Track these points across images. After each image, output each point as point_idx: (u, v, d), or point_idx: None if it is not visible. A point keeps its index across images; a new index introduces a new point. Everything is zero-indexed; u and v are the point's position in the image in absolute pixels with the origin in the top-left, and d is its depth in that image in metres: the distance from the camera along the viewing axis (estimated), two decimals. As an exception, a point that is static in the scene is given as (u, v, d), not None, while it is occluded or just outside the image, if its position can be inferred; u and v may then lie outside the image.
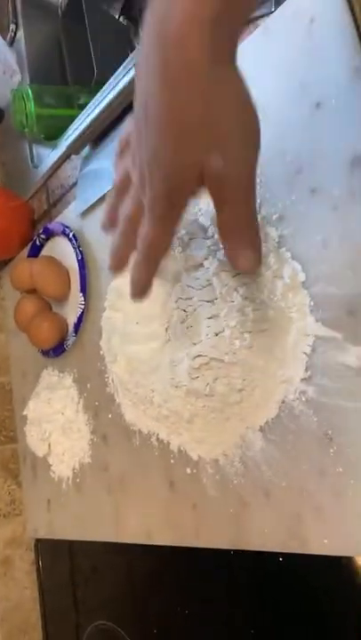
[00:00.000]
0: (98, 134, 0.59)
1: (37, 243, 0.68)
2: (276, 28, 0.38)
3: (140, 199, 0.30)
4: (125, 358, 0.48)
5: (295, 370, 0.36)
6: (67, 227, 0.62)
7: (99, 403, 0.57)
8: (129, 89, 0.53)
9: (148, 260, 0.31)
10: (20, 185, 0.75)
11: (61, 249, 0.64)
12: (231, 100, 0.26)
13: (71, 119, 0.62)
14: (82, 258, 0.59)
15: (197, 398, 0.41)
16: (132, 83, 0.52)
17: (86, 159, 0.62)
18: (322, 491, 0.35)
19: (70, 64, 0.71)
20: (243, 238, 0.30)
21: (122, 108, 0.55)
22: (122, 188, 0.33)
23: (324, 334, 0.35)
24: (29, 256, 0.69)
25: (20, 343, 0.71)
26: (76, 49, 0.71)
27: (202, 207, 0.42)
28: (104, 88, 0.55)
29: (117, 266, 0.34)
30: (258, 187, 0.39)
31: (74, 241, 0.60)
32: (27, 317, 0.64)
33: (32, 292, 0.66)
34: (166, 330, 0.44)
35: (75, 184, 0.63)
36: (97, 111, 0.56)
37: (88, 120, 0.58)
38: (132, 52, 0.55)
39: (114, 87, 0.54)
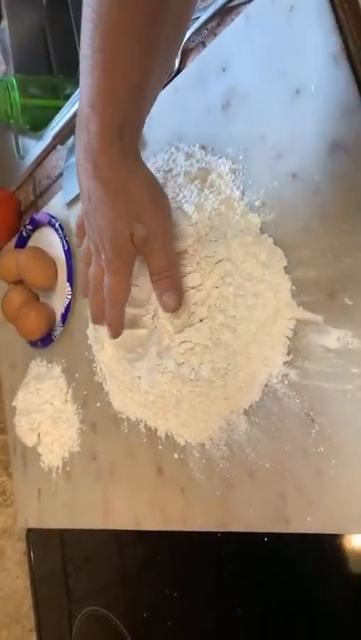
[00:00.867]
0: (83, 124, 0.59)
1: (24, 234, 0.68)
2: (257, 15, 0.38)
3: (99, 263, 0.39)
4: (112, 346, 0.48)
5: (278, 353, 0.37)
6: (53, 217, 0.62)
7: (87, 392, 0.58)
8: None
9: (113, 304, 0.40)
10: (6, 176, 0.74)
11: (48, 239, 0.64)
12: (144, 186, 0.36)
13: (57, 109, 0.62)
14: (68, 248, 0.59)
15: (183, 383, 0.41)
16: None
17: (72, 149, 0.62)
18: (305, 471, 0.35)
19: (55, 54, 0.71)
20: (165, 283, 0.39)
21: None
22: (86, 259, 0.43)
23: (306, 318, 0.35)
24: (16, 247, 0.69)
25: (8, 334, 0.71)
26: (61, 39, 0.70)
27: (186, 194, 0.42)
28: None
29: (97, 316, 0.42)
30: (241, 174, 0.40)
31: (60, 231, 0.60)
32: (14, 308, 0.64)
33: (19, 282, 0.66)
34: (153, 317, 0.44)
35: (61, 174, 0.63)
36: (82, 101, 0.56)
37: (73, 110, 0.58)
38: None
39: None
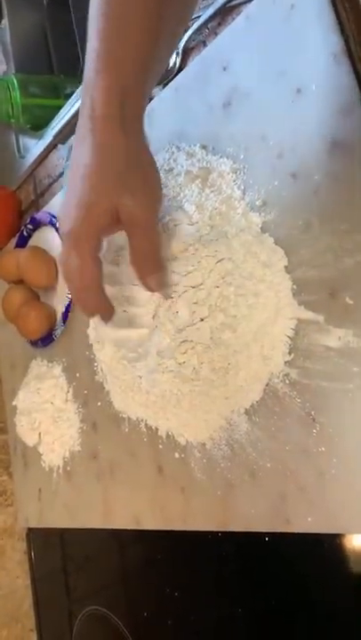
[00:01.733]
0: (84, 123, 0.59)
1: (25, 233, 0.68)
2: (258, 14, 0.38)
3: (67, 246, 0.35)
4: (113, 346, 0.48)
5: (279, 353, 0.37)
6: (54, 216, 0.62)
7: (88, 391, 0.57)
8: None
9: (88, 288, 0.36)
10: (7, 175, 0.74)
11: (49, 239, 0.64)
12: (140, 163, 0.34)
13: (57, 109, 0.62)
14: (69, 247, 0.59)
15: (184, 383, 0.41)
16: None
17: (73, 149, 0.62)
18: (306, 470, 0.35)
19: (56, 53, 0.71)
20: (148, 263, 0.37)
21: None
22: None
23: (307, 317, 0.35)
24: (17, 246, 0.69)
25: (9, 334, 0.71)
26: (62, 38, 0.71)
27: (186, 193, 0.42)
28: (89, 77, 0.55)
29: (84, 307, 0.39)
30: (242, 173, 0.40)
31: (61, 230, 0.60)
32: (14, 308, 0.64)
33: (19, 282, 0.66)
34: (153, 317, 0.44)
35: (62, 173, 0.63)
36: (82, 100, 0.56)
37: (74, 109, 0.58)
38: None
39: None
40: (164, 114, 0.46)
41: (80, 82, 0.56)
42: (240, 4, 0.42)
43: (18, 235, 0.69)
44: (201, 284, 0.40)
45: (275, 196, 0.38)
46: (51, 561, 0.70)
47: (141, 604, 0.55)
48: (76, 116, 0.58)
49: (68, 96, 0.63)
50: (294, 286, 0.36)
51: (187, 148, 0.44)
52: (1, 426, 0.77)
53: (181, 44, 0.47)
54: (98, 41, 0.31)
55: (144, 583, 0.55)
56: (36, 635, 0.73)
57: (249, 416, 0.39)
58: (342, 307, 0.33)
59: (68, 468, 0.61)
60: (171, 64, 0.48)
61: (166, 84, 0.47)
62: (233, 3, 0.42)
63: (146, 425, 0.49)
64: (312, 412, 0.35)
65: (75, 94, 0.59)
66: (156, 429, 0.48)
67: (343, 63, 0.33)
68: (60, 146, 0.63)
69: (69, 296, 0.59)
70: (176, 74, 0.47)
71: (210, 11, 0.44)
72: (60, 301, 0.62)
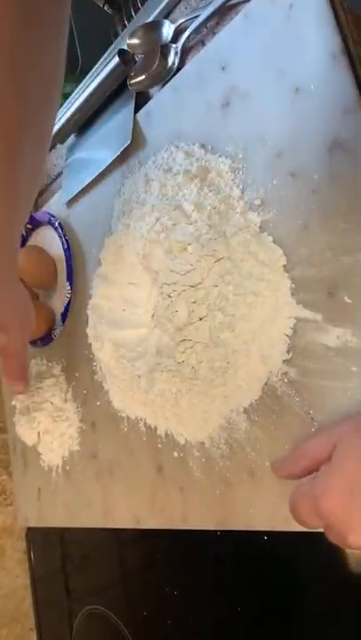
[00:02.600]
0: (83, 123, 0.59)
1: (23, 233, 0.68)
2: (256, 13, 0.38)
3: None
4: (112, 345, 0.48)
5: (277, 352, 0.37)
6: (52, 216, 0.62)
7: (87, 390, 0.58)
8: (113, 77, 0.53)
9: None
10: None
11: (47, 238, 0.64)
12: (16, 304, 0.43)
13: (56, 108, 0.61)
14: (68, 247, 0.59)
15: (183, 382, 0.41)
16: (115, 71, 0.52)
17: (72, 148, 0.62)
18: (304, 469, 0.35)
19: (55, 53, 0.71)
20: (16, 377, 0.51)
21: (106, 97, 0.55)
22: None
23: (305, 316, 0.35)
24: (16, 246, 0.68)
25: (8, 334, 0.71)
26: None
27: (185, 193, 0.42)
28: (88, 76, 0.55)
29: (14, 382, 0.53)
30: (240, 172, 0.40)
31: (59, 230, 0.60)
32: (14, 307, 0.64)
33: (19, 282, 0.66)
34: (152, 316, 0.44)
35: (60, 173, 0.63)
36: (81, 100, 0.56)
37: (73, 109, 0.58)
38: (115, 40, 0.55)
39: (98, 75, 0.54)
40: (162, 113, 0.46)
41: (79, 82, 0.56)
42: (239, 4, 0.42)
43: (17, 234, 0.69)
44: (200, 283, 0.40)
45: (273, 195, 0.38)
46: (50, 560, 0.70)
47: (141, 603, 0.55)
48: (74, 116, 0.58)
49: (67, 95, 0.63)
50: (293, 285, 0.36)
51: (185, 148, 0.44)
52: (0, 425, 0.77)
53: (180, 44, 0.47)
54: None
55: (143, 582, 0.55)
56: (35, 634, 0.73)
57: (248, 415, 0.39)
58: (341, 306, 0.33)
59: (68, 468, 0.61)
60: (169, 63, 0.48)
61: (165, 84, 0.48)
62: (231, 2, 0.42)
63: (145, 424, 0.49)
64: (311, 411, 0.35)
65: (73, 93, 0.59)
66: (155, 428, 0.48)
67: (342, 63, 0.33)
68: (58, 145, 0.63)
69: (68, 296, 0.59)
70: (175, 73, 0.47)
71: (208, 10, 0.44)
72: (59, 301, 0.62)
